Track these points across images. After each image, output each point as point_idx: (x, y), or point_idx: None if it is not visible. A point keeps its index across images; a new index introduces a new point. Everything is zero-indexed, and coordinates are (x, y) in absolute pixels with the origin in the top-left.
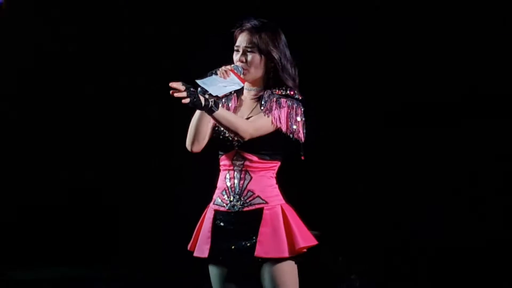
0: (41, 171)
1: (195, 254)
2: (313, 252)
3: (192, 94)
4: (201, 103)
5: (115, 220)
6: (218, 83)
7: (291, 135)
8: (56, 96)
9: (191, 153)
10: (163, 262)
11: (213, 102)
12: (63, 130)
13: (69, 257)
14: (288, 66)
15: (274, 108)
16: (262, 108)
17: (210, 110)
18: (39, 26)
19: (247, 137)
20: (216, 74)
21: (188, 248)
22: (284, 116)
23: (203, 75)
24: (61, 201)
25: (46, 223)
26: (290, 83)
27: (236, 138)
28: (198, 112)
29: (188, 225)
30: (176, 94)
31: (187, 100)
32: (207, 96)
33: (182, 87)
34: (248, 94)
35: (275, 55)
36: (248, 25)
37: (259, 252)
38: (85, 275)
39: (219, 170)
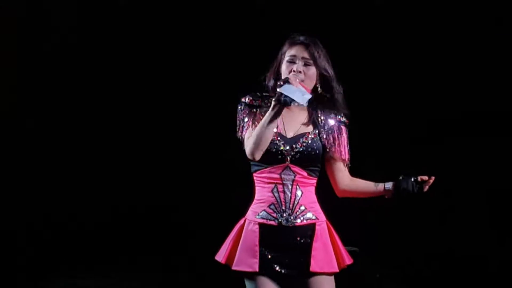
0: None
1: (237, 268)
2: (351, 267)
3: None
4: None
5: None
6: (295, 92)
7: (342, 162)
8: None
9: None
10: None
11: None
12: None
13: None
14: (333, 84)
15: (336, 137)
16: (323, 134)
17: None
18: None
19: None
20: (288, 82)
21: (221, 260)
22: (344, 145)
23: (277, 85)
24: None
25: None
26: (339, 97)
27: (291, 153)
28: (266, 120)
29: None
30: None
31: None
32: (293, 104)
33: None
34: (295, 108)
35: (330, 71)
36: (303, 38)
37: (314, 267)
38: None
39: (253, 182)
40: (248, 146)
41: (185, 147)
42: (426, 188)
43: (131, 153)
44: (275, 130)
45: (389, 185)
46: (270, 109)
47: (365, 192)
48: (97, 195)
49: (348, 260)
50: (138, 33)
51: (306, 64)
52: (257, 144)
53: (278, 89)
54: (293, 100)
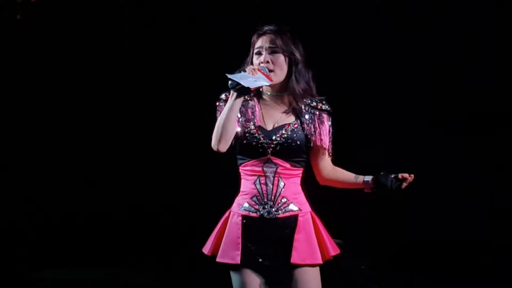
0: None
1: (221, 260)
2: (337, 259)
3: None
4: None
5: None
6: (248, 78)
7: (325, 151)
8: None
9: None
10: None
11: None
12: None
13: None
14: (304, 68)
15: (317, 126)
16: (305, 123)
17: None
18: None
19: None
20: (245, 71)
21: (207, 252)
22: (325, 134)
23: (232, 72)
24: None
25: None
26: (303, 85)
27: (271, 145)
28: (226, 110)
29: None
30: None
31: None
32: (237, 88)
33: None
34: (272, 99)
35: (298, 55)
36: (267, 28)
37: (295, 258)
38: None
39: (239, 175)
40: (213, 138)
41: (188, 147)
42: (404, 185)
43: (131, 153)
44: (252, 124)
45: (368, 178)
46: (229, 98)
47: (345, 183)
48: (101, 193)
49: (333, 251)
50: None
51: (273, 52)
52: (218, 135)
53: (227, 76)
54: (238, 83)
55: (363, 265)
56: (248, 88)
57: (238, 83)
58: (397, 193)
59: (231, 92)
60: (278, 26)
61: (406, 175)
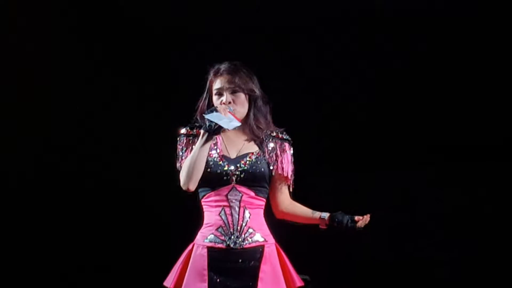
0: None
1: None
2: None
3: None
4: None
5: None
6: (223, 119)
7: (285, 181)
8: None
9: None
10: None
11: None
12: None
13: None
14: (262, 103)
15: (279, 155)
16: (266, 152)
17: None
18: None
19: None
20: (217, 111)
21: (169, 286)
22: (286, 162)
23: (205, 112)
24: None
25: None
26: (262, 120)
27: (236, 172)
28: (197, 151)
29: None
30: None
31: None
32: (214, 129)
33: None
34: (233, 130)
35: (256, 91)
36: (224, 68)
37: None
38: None
39: (200, 206)
40: (181, 177)
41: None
42: (361, 224)
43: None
44: (216, 153)
45: (325, 215)
46: (200, 137)
47: (302, 218)
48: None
49: (298, 283)
50: None
51: (233, 92)
52: (189, 174)
53: (205, 116)
54: (219, 126)
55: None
56: (221, 128)
57: (216, 124)
58: (352, 231)
59: (202, 132)
60: (233, 64)
61: (360, 217)
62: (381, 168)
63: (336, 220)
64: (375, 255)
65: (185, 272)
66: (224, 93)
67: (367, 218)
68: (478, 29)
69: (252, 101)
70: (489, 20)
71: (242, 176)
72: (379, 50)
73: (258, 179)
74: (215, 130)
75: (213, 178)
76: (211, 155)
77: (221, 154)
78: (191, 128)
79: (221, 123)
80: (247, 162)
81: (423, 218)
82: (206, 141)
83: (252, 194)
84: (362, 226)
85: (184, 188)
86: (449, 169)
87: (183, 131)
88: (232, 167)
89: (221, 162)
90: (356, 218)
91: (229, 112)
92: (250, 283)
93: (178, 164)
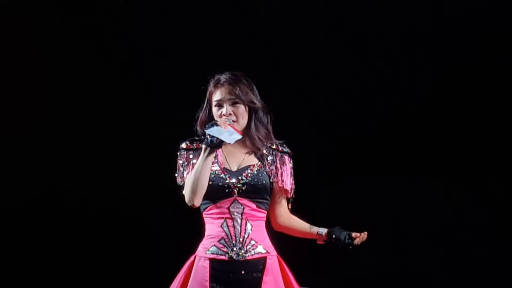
0: None
1: None
2: None
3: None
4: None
5: None
6: (224, 133)
7: (285, 194)
8: None
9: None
10: None
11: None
12: None
13: None
14: (263, 114)
15: (279, 167)
16: (267, 165)
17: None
18: None
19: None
20: (218, 125)
21: None
22: (287, 175)
23: (205, 125)
24: None
25: None
26: (263, 131)
27: (238, 185)
28: (200, 167)
29: None
30: None
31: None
32: (216, 143)
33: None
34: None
35: (257, 102)
36: (224, 79)
37: None
38: None
39: (201, 218)
40: (186, 194)
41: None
42: (358, 241)
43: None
44: (217, 166)
45: (322, 230)
46: (202, 152)
47: (299, 232)
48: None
49: None
50: None
51: (233, 104)
52: (194, 190)
53: (206, 131)
54: (221, 140)
55: None
56: (222, 142)
57: (218, 139)
58: (350, 248)
59: (204, 147)
60: (234, 75)
61: (358, 234)
62: (382, 177)
63: (334, 236)
64: (378, 268)
65: (187, 283)
66: (224, 105)
67: (364, 235)
68: None
69: (252, 112)
70: None
71: (244, 188)
72: (375, 61)
73: (259, 192)
74: (216, 145)
75: (215, 191)
76: (212, 168)
77: (222, 166)
78: (191, 142)
79: (222, 137)
80: (249, 174)
81: (430, 227)
82: (208, 155)
83: (254, 206)
84: (359, 243)
85: (189, 204)
86: (456, 178)
87: (183, 145)
88: (234, 180)
89: (222, 175)
90: (354, 234)
91: (229, 124)
92: None
93: (179, 179)
